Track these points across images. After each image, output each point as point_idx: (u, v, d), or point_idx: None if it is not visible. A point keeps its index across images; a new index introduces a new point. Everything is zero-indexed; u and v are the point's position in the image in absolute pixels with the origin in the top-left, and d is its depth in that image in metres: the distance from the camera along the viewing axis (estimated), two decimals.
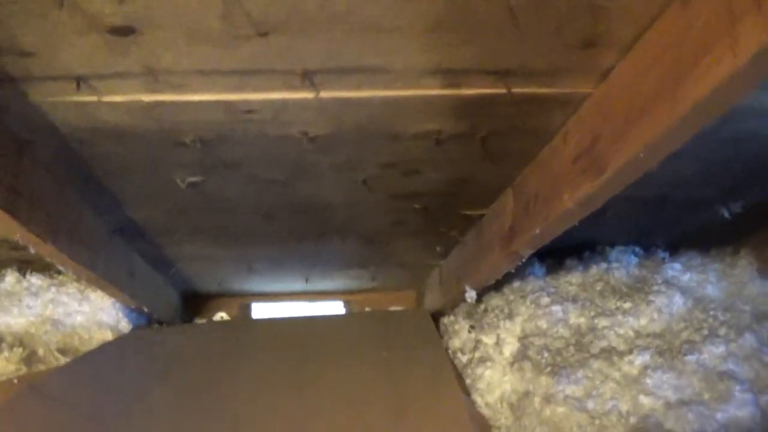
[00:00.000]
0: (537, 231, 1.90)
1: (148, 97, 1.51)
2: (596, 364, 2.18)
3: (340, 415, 2.17)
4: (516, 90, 1.52)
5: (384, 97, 1.54)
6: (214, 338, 2.89)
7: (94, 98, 1.49)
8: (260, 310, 3.50)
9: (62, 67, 1.39)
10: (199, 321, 3.37)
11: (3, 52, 1.34)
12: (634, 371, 2.13)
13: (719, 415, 1.96)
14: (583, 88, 1.53)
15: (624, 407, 2.05)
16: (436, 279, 3.01)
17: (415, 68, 1.45)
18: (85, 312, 2.75)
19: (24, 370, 2.34)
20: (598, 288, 2.54)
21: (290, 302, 3.49)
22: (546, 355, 2.28)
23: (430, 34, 1.33)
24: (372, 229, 2.52)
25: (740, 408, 1.96)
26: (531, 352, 2.32)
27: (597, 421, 2.03)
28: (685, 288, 2.49)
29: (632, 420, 2.01)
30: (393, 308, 3.35)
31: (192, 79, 1.46)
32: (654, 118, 1.32)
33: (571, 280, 2.60)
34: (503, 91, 1.51)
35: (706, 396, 2.02)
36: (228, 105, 1.55)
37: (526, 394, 2.21)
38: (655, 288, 2.39)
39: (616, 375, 2.14)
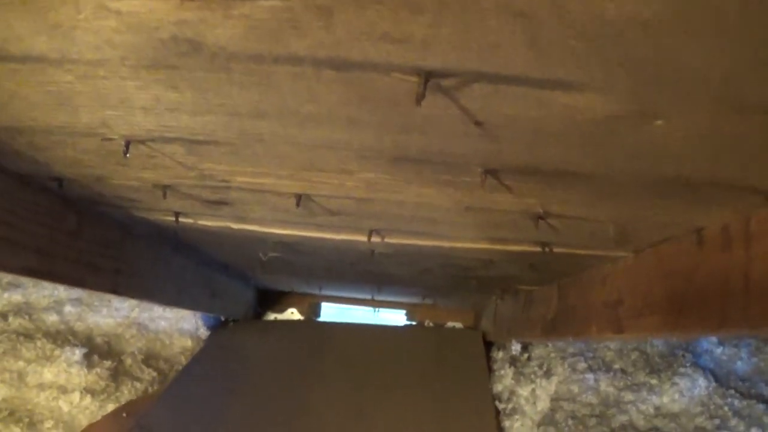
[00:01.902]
0: (570, 338, 2.14)
1: (236, 225, 1.78)
2: None
3: None
4: (556, 250, 1.72)
5: (440, 246, 1.78)
6: (285, 344, 3.20)
7: (190, 221, 1.77)
8: (328, 310, 3.81)
9: (164, 207, 1.67)
10: (272, 315, 3.69)
11: (122, 199, 1.62)
12: None
13: None
14: (618, 253, 1.73)
15: None
16: (492, 312, 3.24)
17: (465, 236, 1.68)
18: (168, 318, 3.04)
19: (112, 386, 2.67)
20: (633, 357, 2.74)
21: (357, 306, 3.79)
22: (570, 423, 2.52)
23: (479, 227, 1.55)
24: (432, 285, 2.78)
25: None
26: (558, 416, 2.56)
27: None
28: (716, 361, 2.68)
29: None
30: (451, 324, 3.60)
31: (274, 223, 1.72)
32: (660, 324, 1.52)
33: (610, 344, 2.80)
34: (545, 250, 1.72)
35: None
36: (305, 236, 1.82)
37: None
38: (681, 370, 2.58)
39: None
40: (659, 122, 0.86)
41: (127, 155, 1.14)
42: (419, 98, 0.78)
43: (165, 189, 1.44)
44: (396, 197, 1.34)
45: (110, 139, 1.14)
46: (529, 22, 0.64)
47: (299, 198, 1.39)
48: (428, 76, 0.77)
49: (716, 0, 0.58)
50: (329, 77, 0.81)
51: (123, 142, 1.13)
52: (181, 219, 1.72)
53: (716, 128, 0.87)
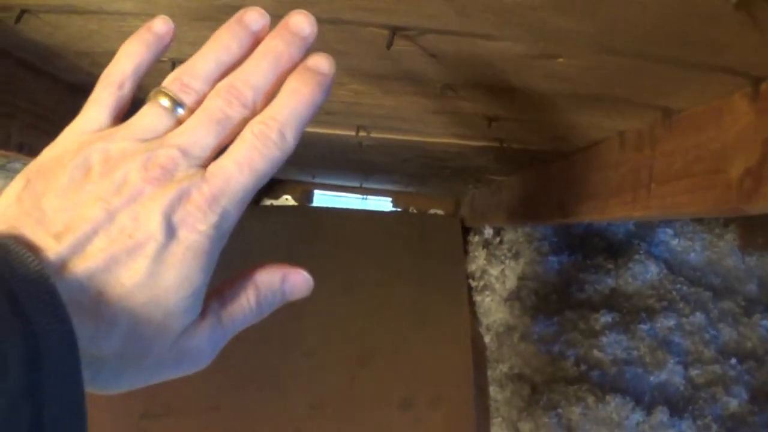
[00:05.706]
0: (528, 223, 2.62)
1: None
2: (570, 314, 2.94)
3: (373, 323, 3.01)
4: (512, 146, 2.19)
5: (414, 140, 2.25)
6: (281, 227, 3.66)
7: None
8: (320, 198, 4.28)
9: None
10: (267, 201, 4.17)
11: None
12: (597, 327, 2.88)
13: (652, 378, 2.72)
14: (564, 149, 2.19)
15: (580, 355, 2.82)
16: (469, 200, 3.72)
17: (434, 132, 2.14)
18: None
19: None
20: (595, 242, 3.24)
21: (347, 193, 4.27)
22: (534, 298, 3.04)
23: (444, 126, 2.01)
24: (412, 173, 3.24)
25: (670, 375, 2.72)
26: (523, 293, 3.07)
27: (555, 363, 2.82)
28: (671, 251, 3.18)
29: (582, 368, 2.79)
30: (433, 210, 4.09)
31: None
32: (592, 209, 2.00)
33: (573, 231, 3.30)
34: (502, 145, 2.18)
35: (647, 360, 2.77)
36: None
37: (510, 328, 2.99)
38: (636, 257, 3.08)
39: (583, 327, 2.90)
40: (561, 60, 1.30)
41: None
42: (389, 44, 1.22)
43: None
44: (377, 102, 1.79)
45: (161, 61, 1.57)
46: (457, 2, 1.08)
47: None
48: (395, 30, 1.21)
49: None
50: (326, 28, 1.25)
51: (170, 63, 1.57)
52: None
53: (600, 66, 1.31)
